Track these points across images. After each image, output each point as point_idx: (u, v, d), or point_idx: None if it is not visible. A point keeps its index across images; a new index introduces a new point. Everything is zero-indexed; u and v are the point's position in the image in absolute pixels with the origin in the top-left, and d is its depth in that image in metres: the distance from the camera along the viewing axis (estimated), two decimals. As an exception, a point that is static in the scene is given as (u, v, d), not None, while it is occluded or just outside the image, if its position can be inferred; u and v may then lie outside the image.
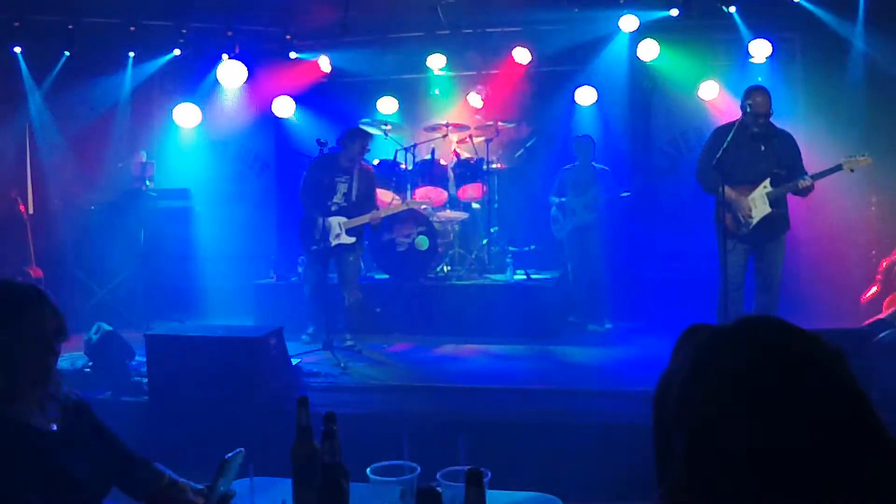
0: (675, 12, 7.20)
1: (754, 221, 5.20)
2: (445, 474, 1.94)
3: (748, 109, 5.14)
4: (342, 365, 5.73)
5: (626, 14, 7.31)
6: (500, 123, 7.75)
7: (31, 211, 7.74)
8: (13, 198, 7.40)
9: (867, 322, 5.47)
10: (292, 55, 7.98)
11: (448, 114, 8.19)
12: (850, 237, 7.15)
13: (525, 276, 7.28)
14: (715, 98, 7.48)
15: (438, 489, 1.67)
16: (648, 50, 7.45)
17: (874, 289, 6.48)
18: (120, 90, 8.29)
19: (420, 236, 7.12)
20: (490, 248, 7.67)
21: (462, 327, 6.85)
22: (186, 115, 8.33)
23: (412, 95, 8.63)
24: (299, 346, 6.25)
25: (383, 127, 7.90)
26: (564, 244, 7.47)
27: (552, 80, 8.32)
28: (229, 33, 7.95)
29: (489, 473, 1.83)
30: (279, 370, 5.00)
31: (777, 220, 5.25)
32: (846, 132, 6.74)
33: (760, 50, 7.27)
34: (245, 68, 8.08)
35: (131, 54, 8.09)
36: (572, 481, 3.69)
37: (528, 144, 8.09)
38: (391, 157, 7.81)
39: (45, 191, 8.17)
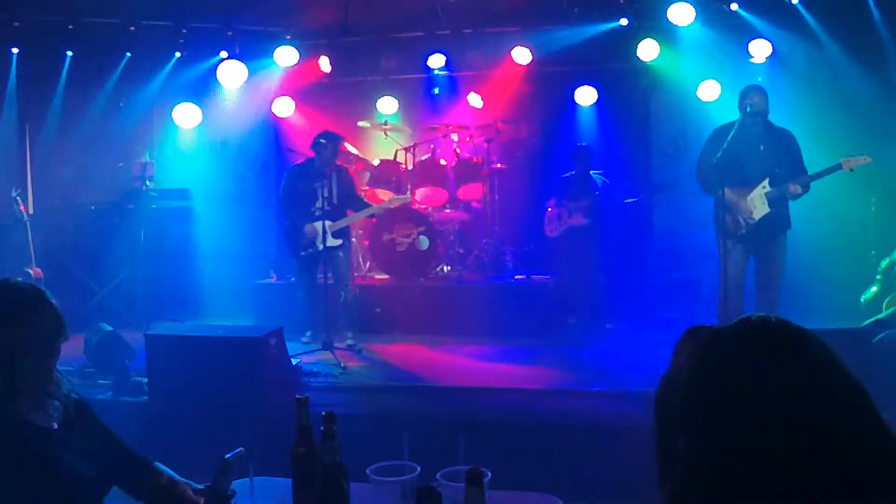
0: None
1: (754, 222, 5.20)
2: (445, 474, 1.94)
3: (746, 109, 5.14)
4: (342, 365, 5.74)
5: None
6: (500, 123, 7.75)
7: (31, 211, 7.74)
8: (13, 198, 7.40)
9: (867, 322, 5.47)
10: (292, 56, 7.96)
11: (448, 114, 8.19)
12: (850, 237, 7.15)
13: (525, 276, 7.27)
14: (715, 98, 7.48)
15: (438, 489, 1.67)
16: (648, 50, 7.45)
17: (874, 289, 6.48)
18: (120, 90, 8.29)
19: (420, 236, 7.13)
20: (490, 248, 7.66)
21: (462, 327, 6.84)
22: (186, 115, 8.33)
23: (412, 95, 8.63)
24: (299, 347, 6.25)
25: (383, 127, 7.91)
26: (556, 245, 7.44)
27: (552, 80, 8.32)
28: (229, 33, 7.95)
29: (489, 473, 1.82)
30: (279, 370, 5.00)
31: (777, 220, 5.24)
32: (846, 132, 6.74)
33: (760, 50, 7.27)
34: (245, 68, 8.08)
35: (128, 54, 8.08)
36: (572, 481, 3.69)
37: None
38: (391, 157, 7.81)
39: (45, 191, 8.18)
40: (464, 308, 7.01)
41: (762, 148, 5.22)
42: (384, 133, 7.86)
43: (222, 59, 8.08)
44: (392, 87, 8.56)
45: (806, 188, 5.19)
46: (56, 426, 1.98)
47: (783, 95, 6.47)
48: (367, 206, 6.76)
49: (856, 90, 7.01)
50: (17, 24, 7.32)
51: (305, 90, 8.37)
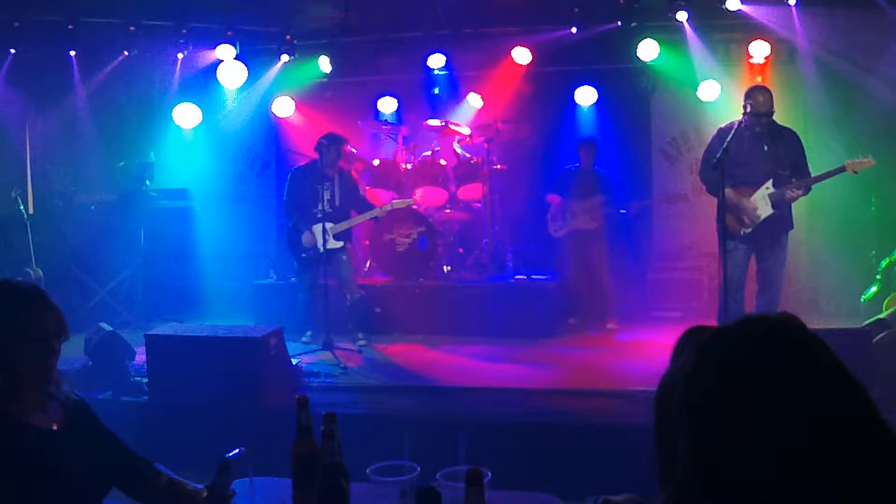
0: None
1: (756, 223, 5.19)
2: (445, 474, 1.95)
3: (749, 109, 5.13)
4: (342, 365, 5.74)
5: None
6: (500, 123, 7.74)
7: (31, 211, 7.75)
8: (13, 198, 7.40)
9: (867, 322, 5.46)
10: (288, 57, 7.97)
11: (448, 114, 8.19)
12: (850, 237, 7.15)
13: (525, 276, 7.27)
14: (715, 98, 7.47)
15: (438, 489, 1.67)
16: (648, 50, 7.44)
17: (874, 289, 6.48)
18: (120, 90, 8.29)
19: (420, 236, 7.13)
20: (490, 249, 7.66)
21: (462, 327, 6.84)
22: (186, 115, 8.32)
23: (412, 95, 8.62)
24: (299, 347, 6.25)
25: (383, 127, 7.91)
26: (561, 246, 7.40)
27: (552, 80, 8.32)
28: (229, 33, 7.95)
29: (489, 473, 1.83)
30: (279, 370, 5.00)
31: (779, 221, 5.22)
32: (846, 132, 6.74)
33: (760, 50, 7.27)
34: (245, 68, 8.08)
35: (125, 53, 8.07)
36: (572, 481, 3.69)
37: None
38: (391, 157, 7.81)
39: (45, 191, 8.18)
40: (464, 308, 7.01)
41: (766, 148, 5.19)
42: (384, 133, 7.85)
43: (222, 60, 8.07)
44: (392, 87, 8.56)
45: (807, 190, 5.18)
46: (56, 427, 1.98)
47: (783, 95, 6.47)
48: (370, 207, 6.74)
49: (855, 90, 7.01)
50: (16, 24, 7.32)
51: (305, 90, 8.37)
